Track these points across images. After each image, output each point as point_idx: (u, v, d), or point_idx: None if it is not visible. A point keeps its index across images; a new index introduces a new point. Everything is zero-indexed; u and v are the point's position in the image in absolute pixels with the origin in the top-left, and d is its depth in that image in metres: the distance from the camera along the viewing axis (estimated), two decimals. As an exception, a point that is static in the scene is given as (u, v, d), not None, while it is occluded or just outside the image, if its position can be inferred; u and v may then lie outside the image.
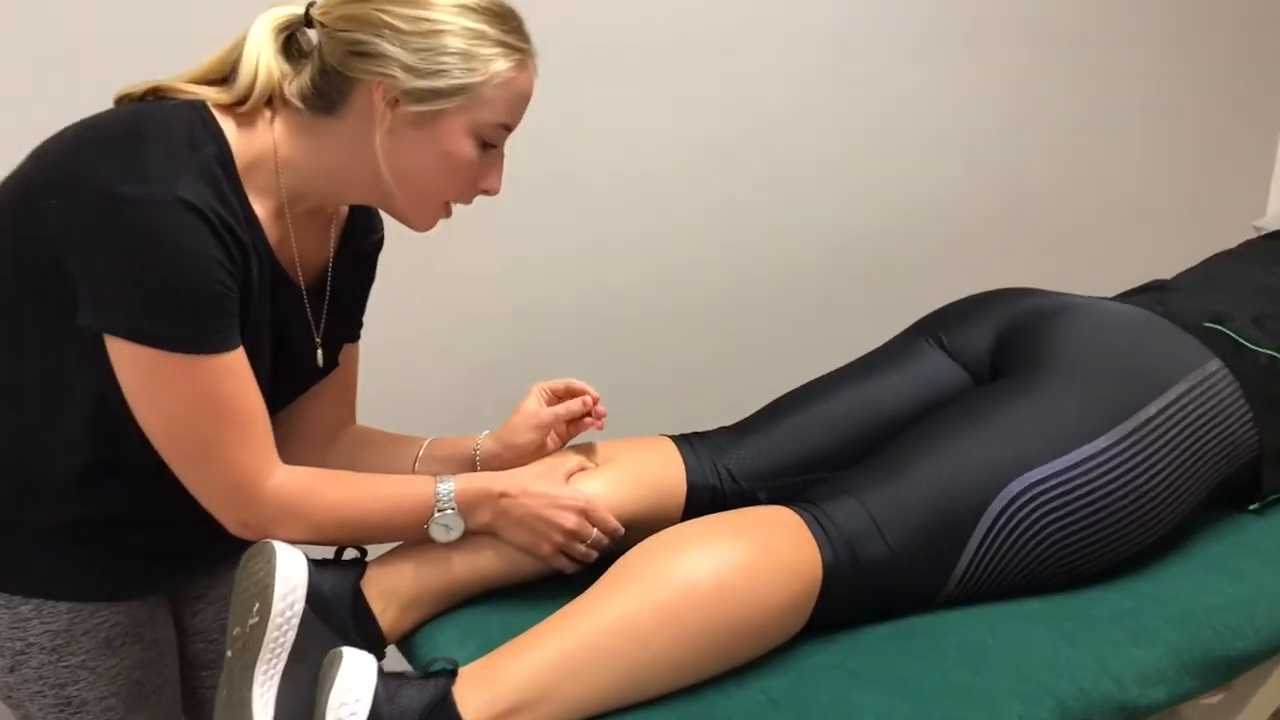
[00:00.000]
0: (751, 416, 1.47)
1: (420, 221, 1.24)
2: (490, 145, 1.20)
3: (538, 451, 1.38)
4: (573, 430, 1.39)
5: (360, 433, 1.44)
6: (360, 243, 1.37)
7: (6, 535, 1.23)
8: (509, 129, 1.21)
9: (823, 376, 1.51)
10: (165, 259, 1.06)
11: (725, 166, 2.20)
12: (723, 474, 1.38)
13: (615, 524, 1.28)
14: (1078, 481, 1.25)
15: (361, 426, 1.45)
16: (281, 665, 1.18)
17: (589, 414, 1.37)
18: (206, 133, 1.12)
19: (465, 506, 1.24)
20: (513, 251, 2.06)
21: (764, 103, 2.19)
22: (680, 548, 1.16)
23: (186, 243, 1.06)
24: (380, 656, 1.26)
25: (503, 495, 1.25)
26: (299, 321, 1.28)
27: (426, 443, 1.40)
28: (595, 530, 1.27)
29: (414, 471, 1.38)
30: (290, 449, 1.35)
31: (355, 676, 1.07)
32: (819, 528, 1.21)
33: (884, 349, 1.54)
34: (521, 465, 1.37)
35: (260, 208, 1.18)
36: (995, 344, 1.47)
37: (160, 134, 1.10)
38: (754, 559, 1.15)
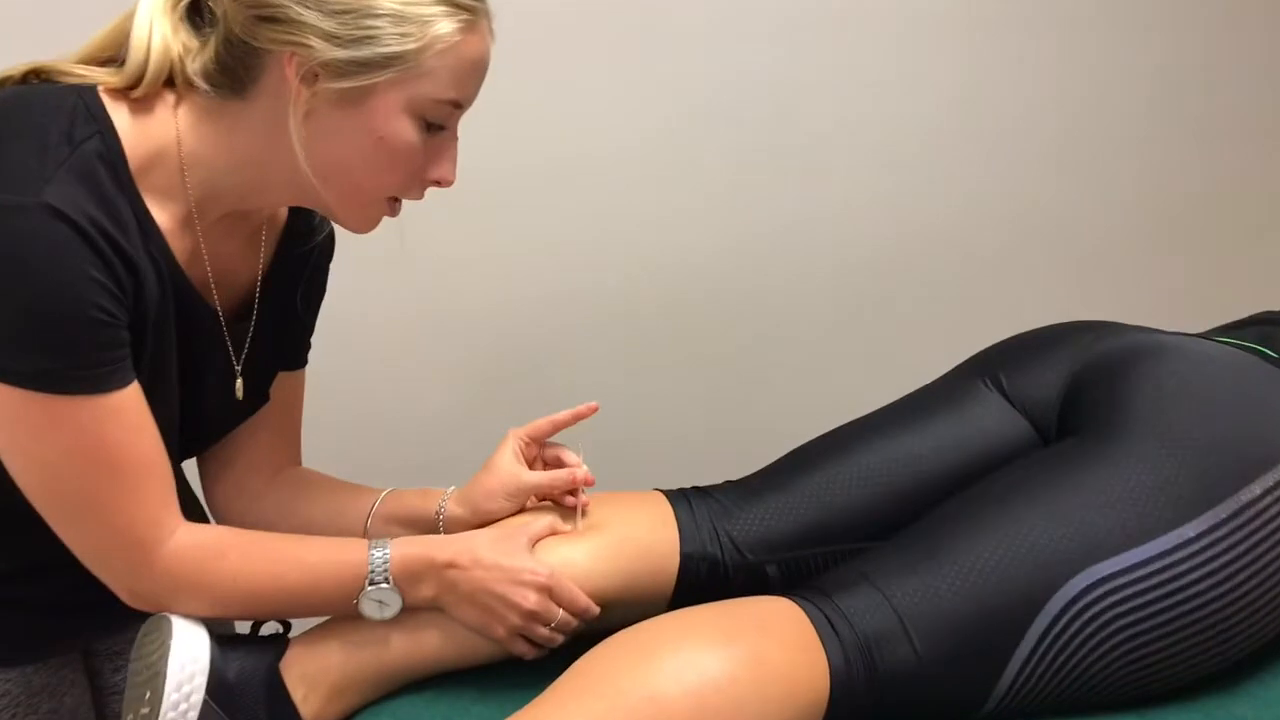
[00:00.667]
0: (766, 469, 1.24)
1: (356, 221, 1.03)
2: (438, 126, 0.99)
3: (509, 520, 1.17)
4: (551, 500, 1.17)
5: (304, 477, 1.23)
6: (299, 250, 1.16)
7: None
8: (460, 106, 1.00)
9: (856, 421, 1.27)
10: (28, 280, 0.87)
11: (763, 162, 1.97)
12: (725, 542, 1.15)
13: (585, 603, 1.06)
14: (1158, 579, 1.00)
15: (307, 470, 1.25)
16: None
17: (573, 491, 1.16)
18: (92, 124, 0.93)
19: (403, 578, 1.04)
20: (517, 241, 1.87)
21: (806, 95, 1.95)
22: (650, 654, 0.94)
23: (54, 261, 0.87)
24: None
25: (449, 566, 1.04)
26: (215, 350, 1.08)
27: (383, 495, 1.20)
28: (561, 611, 1.05)
29: (365, 531, 1.18)
30: (218, 494, 1.19)
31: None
32: (829, 627, 0.98)
33: (932, 390, 1.29)
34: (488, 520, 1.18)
35: (162, 214, 0.98)
36: (1066, 392, 1.21)
37: (31, 126, 0.91)
38: (741, 672, 0.92)
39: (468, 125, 1.03)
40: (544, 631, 1.05)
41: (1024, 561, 1.01)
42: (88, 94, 0.94)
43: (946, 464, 1.20)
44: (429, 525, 1.16)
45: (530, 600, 1.03)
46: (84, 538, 0.97)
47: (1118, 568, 1.01)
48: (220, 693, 1.00)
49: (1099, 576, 1.00)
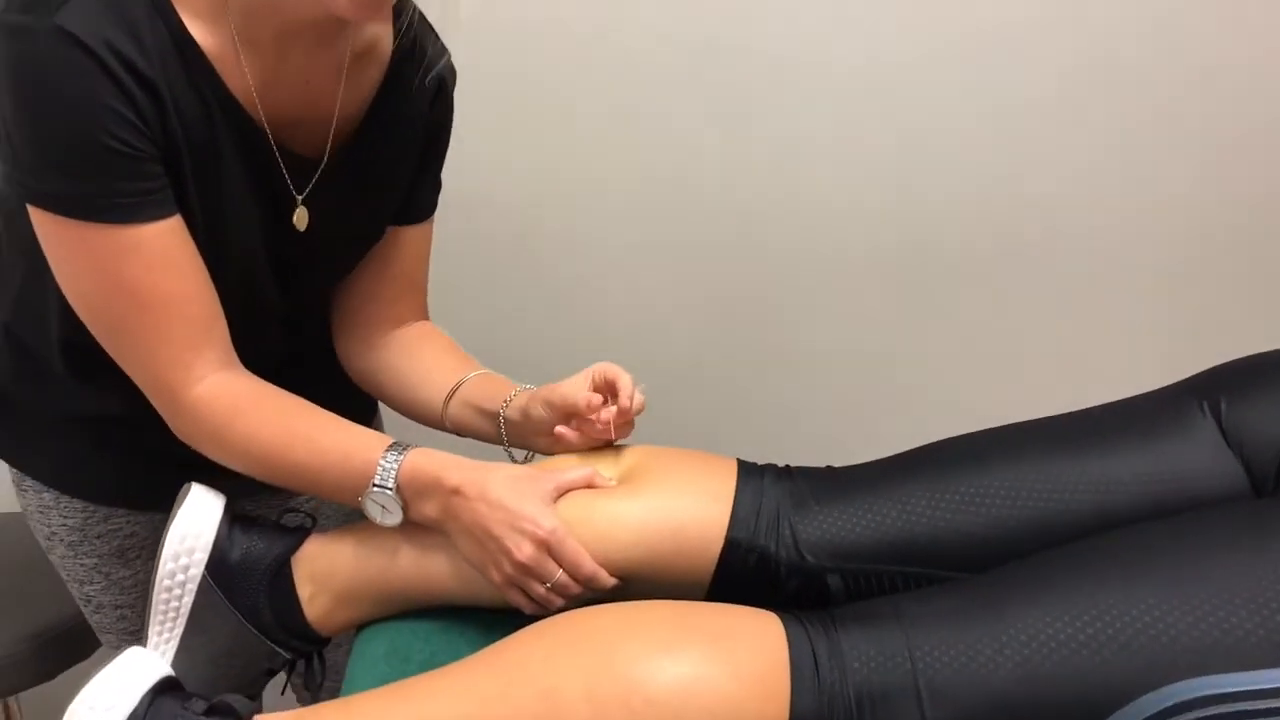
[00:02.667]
0: (875, 463, 1.02)
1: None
2: None
3: (547, 434, 1.06)
4: (590, 430, 1.04)
5: (417, 336, 1.20)
6: (404, 98, 1.09)
7: (26, 423, 1.17)
8: None
9: (1010, 428, 1.01)
10: (41, 107, 0.87)
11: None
12: (784, 535, 0.96)
13: (590, 569, 0.93)
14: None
15: (426, 328, 1.22)
16: (178, 633, 1.01)
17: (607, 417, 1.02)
18: None
19: (409, 491, 0.97)
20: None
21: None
22: (573, 644, 0.81)
23: (66, 88, 0.86)
24: (309, 655, 1.05)
25: (455, 492, 0.95)
26: (273, 175, 1.03)
27: (472, 375, 1.13)
28: (559, 571, 0.93)
29: (444, 409, 1.13)
30: (341, 343, 1.21)
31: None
32: (811, 666, 0.78)
33: (1128, 405, 1.00)
34: (535, 445, 1.09)
35: (206, 36, 0.94)
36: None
37: None
38: (667, 694, 0.76)
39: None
40: (539, 589, 0.94)
41: (1120, 643, 0.75)
42: None
43: (1112, 499, 0.92)
44: (494, 416, 1.09)
45: (524, 551, 0.92)
46: (128, 369, 0.99)
47: (1254, 686, 0.72)
48: (219, 572, 0.99)
49: (1222, 691, 0.73)
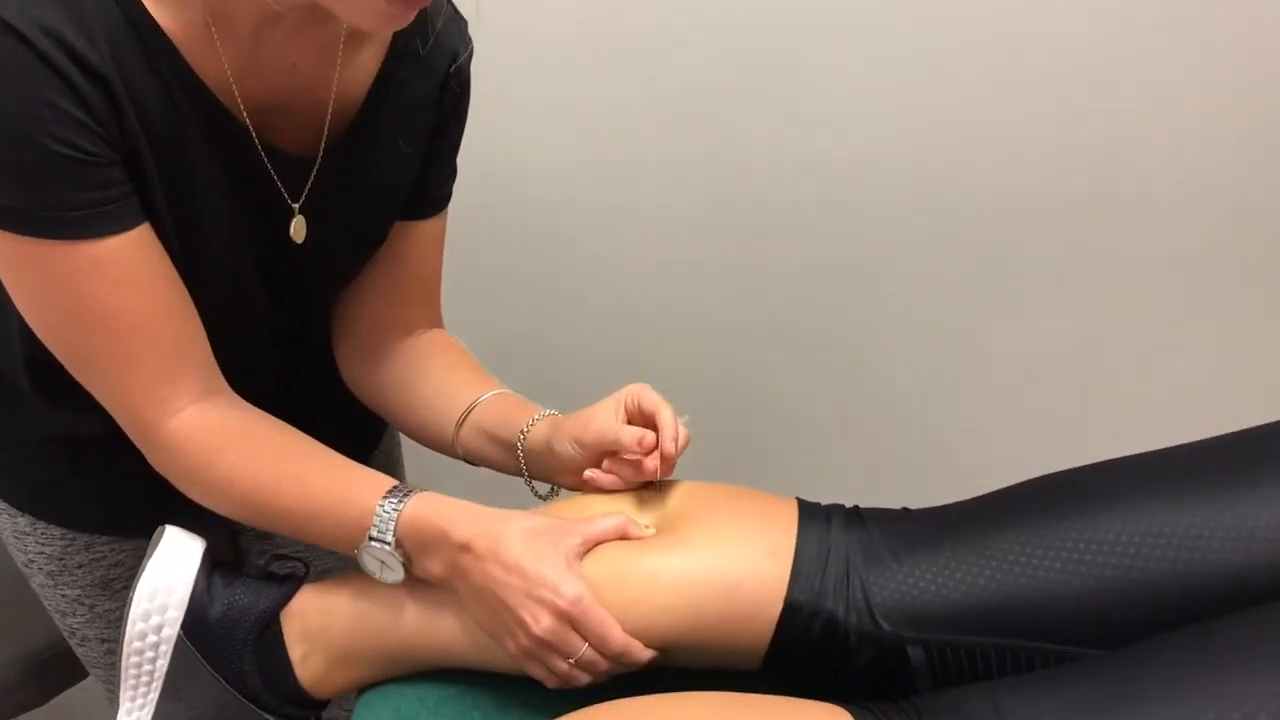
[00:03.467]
0: (962, 505, 0.86)
1: (358, 15, 0.75)
2: None
3: (574, 473, 0.91)
4: (628, 473, 0.89)
5: (429, 347, 1.05)
6: (410, 81, 0.93)
7: (1, 446, 1.05)
8: None
9: (1138, 458, 0.84)
10: None
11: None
12: (856, 598, 0.80)
13: (622, 643, 0.79)
14: None
15: (439, 338, 1.07)
16: (154, 698, 0.88)
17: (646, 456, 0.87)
18: None
19: (411, 545, 0.83)
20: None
21: None
22: None
23: (2, 84, 0.72)
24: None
25: (464, 549, 0.81)
26: (260, 180, 0.89)
27: (489, 395, 0.98)
28: (584, 646, 0.79)
29: (455, 435, 0.98)
30: (341, 355, 1.08)
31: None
32: None
33: (1258, 436, 0.83)
34: (561, 481, 0.94)
35: (171, 21, 0.79)
36: None
37: None
38: None
39: None
40: (562, 666, 0.79)
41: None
42: None
43: (1258, 557, 0.76)
44: (511, 447, 0.95)
45: (542, 624, 0.78)
46: (99, 398, 0.86)
47: None
48: (197, 631, 0.86)
49: None
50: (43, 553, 1.07)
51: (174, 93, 0.80)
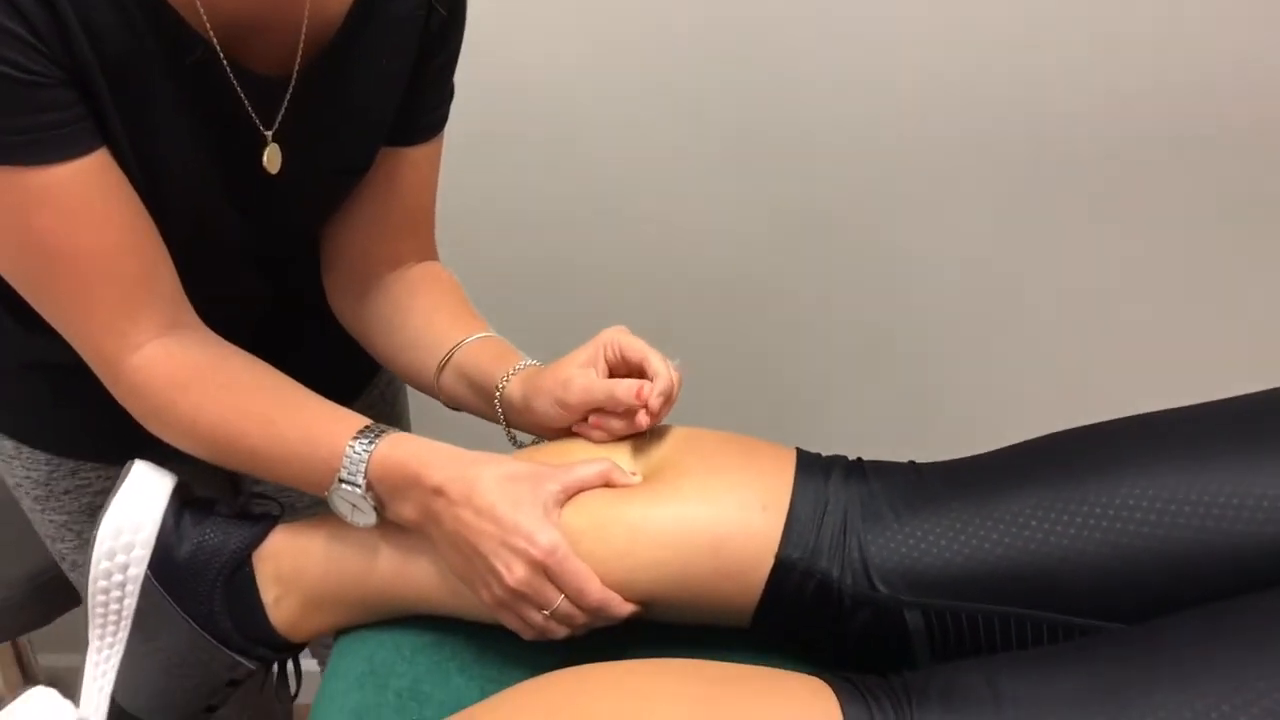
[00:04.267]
0: (978, 459, 0.80)
1: None
2: None
3: (555, 429, 0.86)
4: (616, 425, 0.83)
5: (417, 282, 0.99)
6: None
7: None
8: None
9: (1164, 415, 0.78)
10: None
11: None
12: (853, 557, 0.75)
13: (600, 596, 0.74)
14: None
15: (430, 271, 1.01)
16: (122, 637, 0.85)
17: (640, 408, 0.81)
18: None
19: (383, 488, 0.79)
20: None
21: None
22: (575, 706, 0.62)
23: None
24: (280, 662, 0.89)
25: (436, 492, 0.76)
26: (227, 104, 0.82)
27: (473, 338, 0.93)
28: (560, 597, 0.74)
29: (437, 378, 0.93)
30: (329, 287, 1.03)
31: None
32: None
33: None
34: (543, 434, 0.89)
35: None
36: None
37: None
38: None
39: None
40: (537, 618, 0.75)
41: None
42: None
43: None
44: (489, 398, 0.89)
45: (516, 574, 0.73)
46: (61, 331, 0.82)
47: None
48: (165, 571, 0.83)
49: None
50: (29, 477, 1.05)
51: (128, 7, 0.74)
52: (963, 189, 1.37)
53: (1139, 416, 0.77)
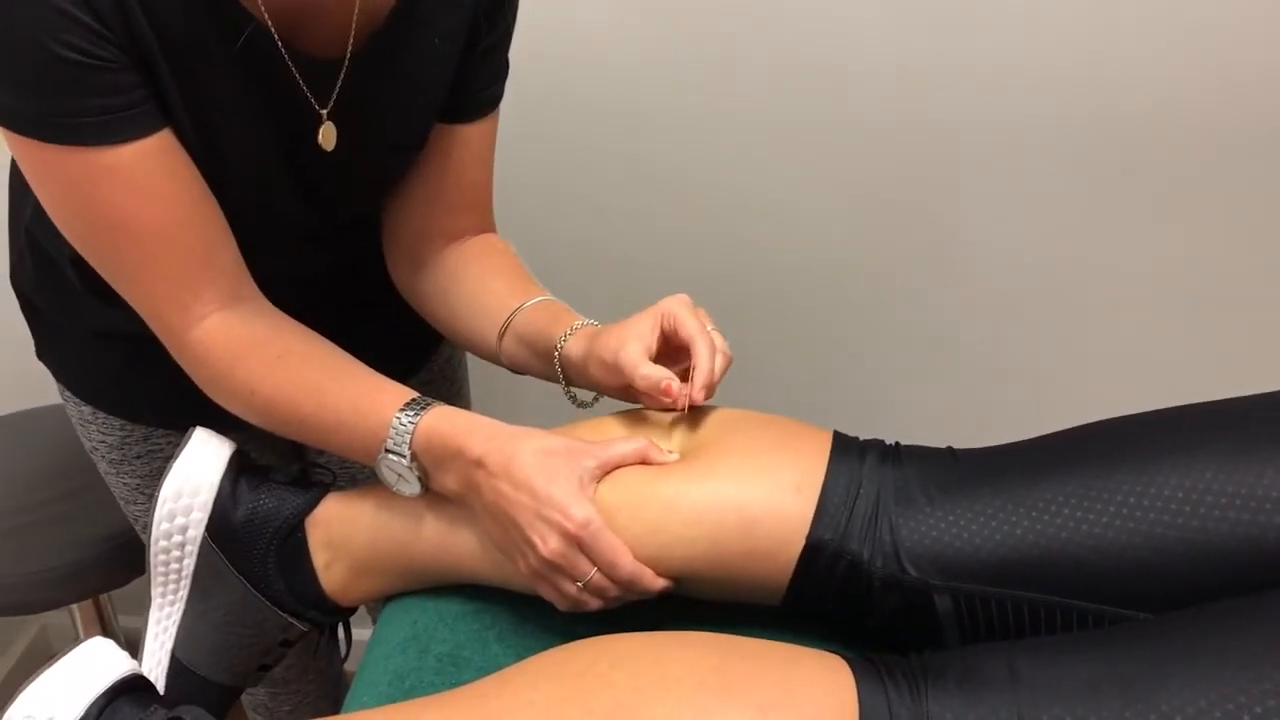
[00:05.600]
0: (1013, 447, 0.80)
1: None
2: None
3: (618, 389, 0.86)
4: (655, 403, 0.84)
5: (473, 254, 1.01)
6: None
7: (57, 334, 1.08)
8: None
9: (1202, 407, 0.77)
10: None
11: None
12: (883, 540, 0.75)
13: (631, 570, 0.76)
14: None
15: (487, 243, 1.03)
16: (183, 595, 0.89)
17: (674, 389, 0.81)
18: None
19: (427, 459, 0.81)
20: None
21: None
22: (617, 688, 0.63)
23: None
24: (330, 626, 0.92)
25: (477, 464, 0.78)
26: (285, 84, 0.85)
27: (531, 303, 0.94)
28: (593, 570, 0.76)
29: (499, 345, 0.95)
30: (390, 260, 1.06)
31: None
32: None
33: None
34: (603, 392, 0.90)
35: None
36: None
37: None
38: None
39: None
40: (570, 588, 0.77)
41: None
42: None
43: None
44: (549, 358, 0.91)
45: (550, 545, 0.75)
46: (129, 300, 0.86)
47: None
48: (222, 533, 0.86)
49: None
50: (104, 441, 1.10)
51: None
52: (1029, 179, 1.35)
53: (1177, 408, 0.76)
